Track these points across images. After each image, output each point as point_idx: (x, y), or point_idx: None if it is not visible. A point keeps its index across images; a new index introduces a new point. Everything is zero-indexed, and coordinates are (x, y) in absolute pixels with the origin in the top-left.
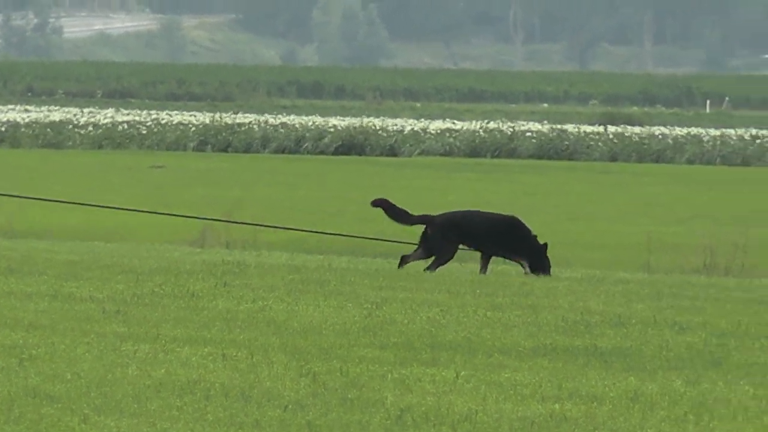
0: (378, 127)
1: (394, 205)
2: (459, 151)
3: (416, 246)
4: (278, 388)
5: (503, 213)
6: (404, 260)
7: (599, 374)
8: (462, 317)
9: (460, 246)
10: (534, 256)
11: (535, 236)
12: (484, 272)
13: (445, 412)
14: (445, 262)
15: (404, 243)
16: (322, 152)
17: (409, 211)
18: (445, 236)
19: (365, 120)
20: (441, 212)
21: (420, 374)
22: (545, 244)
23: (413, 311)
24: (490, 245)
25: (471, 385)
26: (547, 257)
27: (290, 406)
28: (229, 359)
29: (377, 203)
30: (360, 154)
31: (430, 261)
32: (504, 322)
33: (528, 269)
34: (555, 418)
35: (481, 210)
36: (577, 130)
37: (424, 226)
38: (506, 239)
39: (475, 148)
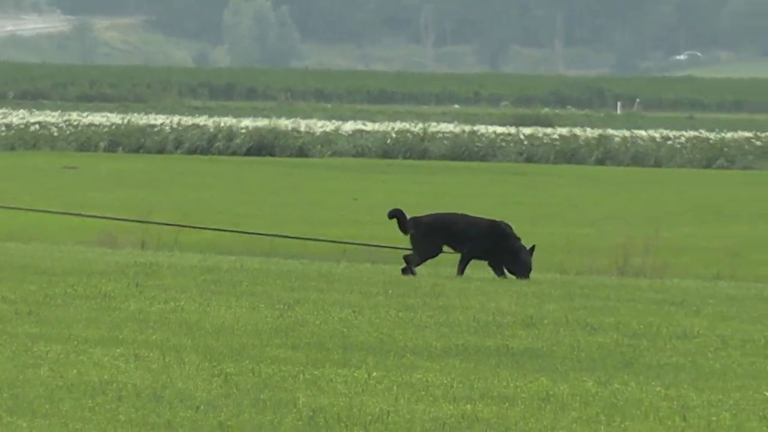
0: (289, 128)
1: (405, 215)
2: (371, 152)
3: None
4: (190, 389)
5: (487, 217)
6: (406, 262)
7: (511, 375)
8: (374, 318)
9: (445, 248)
10: (515, 260)
11: (519, 239)
12: (500, 275)
13: (357, 412)
14: (424, 260)
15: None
16: (234, 153)
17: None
18: (428, 236)
19: (276, 121)
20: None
21: (332, 375)
22: (532, 247)
23: (325, 312)
24: (472, 247)
25: (383, 385)
26: (529, 261)
27: (202, 407)
28: (142, 360)
29: (394, 214)
30: (271, 155)
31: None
32: (416, 323)
33: (507, 272)
34: (467, 419)
35: (467, 213)
36: (488, 131)
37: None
38: (488, 242)
39: (387, 150)
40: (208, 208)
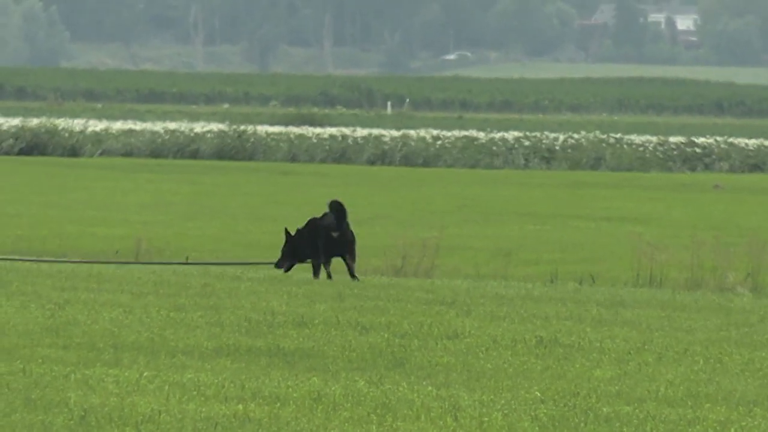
0: (61, 128)
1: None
2: (140, 152)
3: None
4: None
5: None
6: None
7: (282, 375)
8: (145, 318)
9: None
10: None
11: None
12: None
13: (128, 412)
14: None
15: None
16: (6, 153)
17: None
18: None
19: (47, 121)
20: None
21: (103, 374)
22: None
23: (96, 312)
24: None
25: (154, 385)
26: None
27: None
28: None
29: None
30: (43, 155)
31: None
32: (187, 323)
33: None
34: (239, 419)
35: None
36: (258, 131)
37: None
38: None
39: (157, 149)
40: None
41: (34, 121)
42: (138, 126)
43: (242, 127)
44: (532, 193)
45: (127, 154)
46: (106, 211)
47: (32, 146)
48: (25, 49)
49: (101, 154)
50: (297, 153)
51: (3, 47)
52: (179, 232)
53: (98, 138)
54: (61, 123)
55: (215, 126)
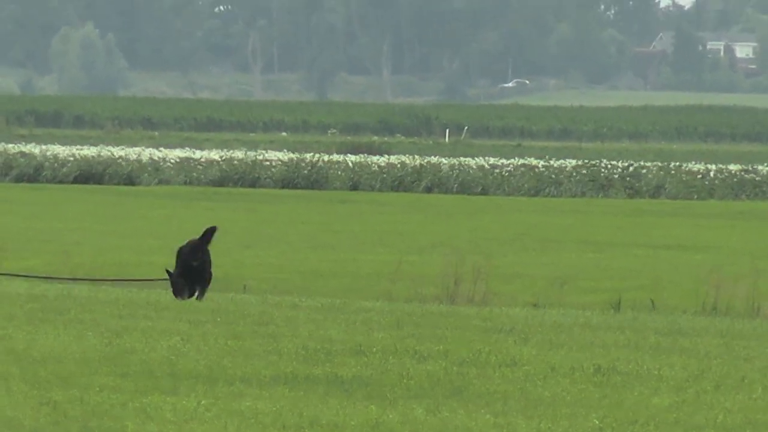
0: (117, 156)
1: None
2: (198, 181)
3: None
4: (19, 417)
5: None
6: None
7: (340, 403)
8: (203, 346)
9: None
10: None
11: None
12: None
13: None
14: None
15: (146, 280)
16: (61, 181)
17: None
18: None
19: (104, 149)
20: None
21: (161, 403)
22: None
23: (154, 340)
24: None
25: (212, 413)
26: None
27: None
28: None
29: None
30: (99, 183)
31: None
32: (245, 351)
33: None
34: None
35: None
36: (317, 159)
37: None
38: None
39: (215, 177)
40: (33, 236)
41: (92, 150)
42: (196, 154)
43: (306, 155)
44: (591, 221)
45: (185, 182)
46: (164, 239)
47: (89, 175)
48: (82, 78)
49: (159, 183)
50: (356, 181)
51: (61, 75)
52: (237, 260)
53: (156, 166)
54: (119, 151)
55: (274, 154)
